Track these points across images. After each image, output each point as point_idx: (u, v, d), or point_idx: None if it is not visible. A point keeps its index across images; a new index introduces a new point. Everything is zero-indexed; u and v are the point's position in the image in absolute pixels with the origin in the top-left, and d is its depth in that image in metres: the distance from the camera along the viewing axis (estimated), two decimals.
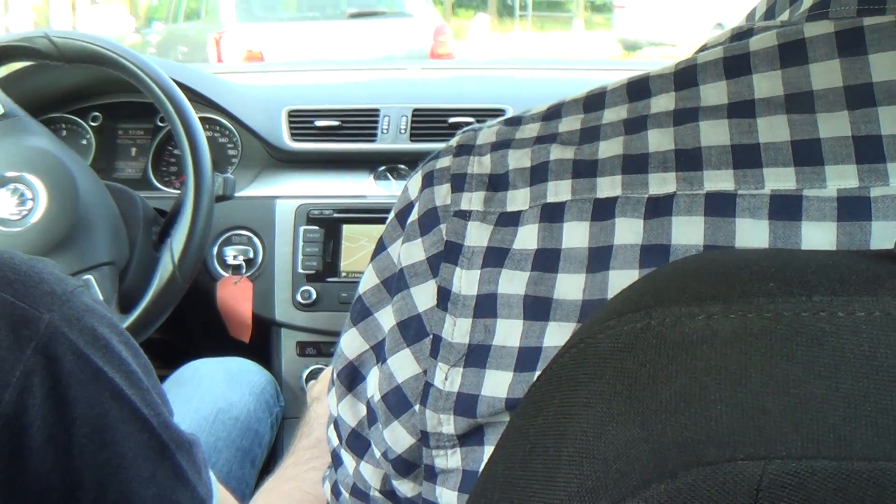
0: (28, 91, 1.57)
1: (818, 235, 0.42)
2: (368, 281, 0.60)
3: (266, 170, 1.70)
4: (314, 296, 1.57)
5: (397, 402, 0.54)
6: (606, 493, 0.31)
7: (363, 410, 0.59)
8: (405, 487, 0.57)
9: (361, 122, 1.69)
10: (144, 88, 1.37)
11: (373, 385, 0.58)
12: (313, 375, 1.62)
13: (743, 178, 0.45)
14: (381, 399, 0.55)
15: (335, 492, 0.66)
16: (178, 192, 1.66)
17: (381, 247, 0.59)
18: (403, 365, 0.54)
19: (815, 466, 0.29)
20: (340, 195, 1.63)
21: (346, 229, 1.60)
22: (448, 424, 0.51)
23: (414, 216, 0.56)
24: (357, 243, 1.59)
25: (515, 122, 0.56)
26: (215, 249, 1.61)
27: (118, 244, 1.37)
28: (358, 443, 0.60)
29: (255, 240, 1.62)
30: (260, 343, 1.66)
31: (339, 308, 1.57)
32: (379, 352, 0.58)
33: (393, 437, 0.55)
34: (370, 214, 1.59)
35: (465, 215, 0.53)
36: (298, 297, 1.57)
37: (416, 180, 0.58)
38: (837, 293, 0.31)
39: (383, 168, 1.66)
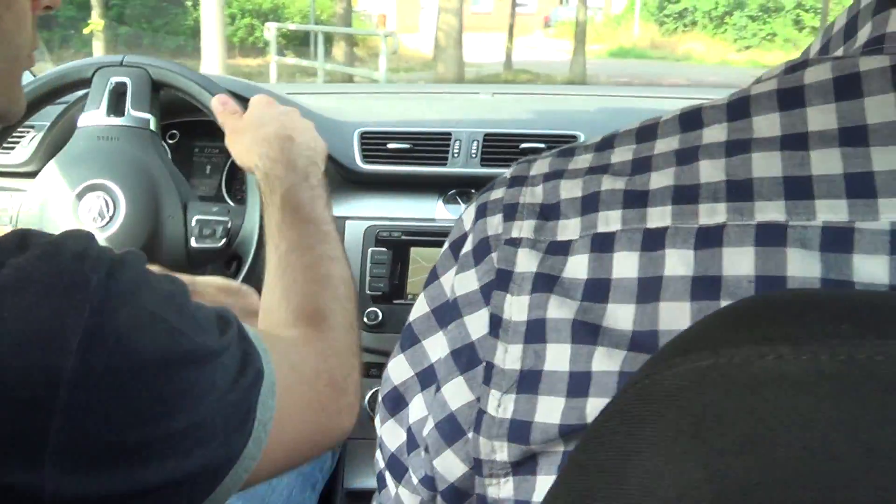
0: None
1: (871, 268, 0.42)
2: (419, 309, 0.61)
3: (337, 190, 1.71)
4: (381, 317, 1.58)
5: (450, 429, 0.54)
6: None
7: (403, 436, 0.60)
8: None
9: (433, 146, 1.69)
10: (202, 104, 1.41)
11: (415, 412, 0.59)
12: (376, 397, 1.62)
13: (794, 209, 0.44)
14: (434, 427, 0.55)
15: None
16: None
17: (433, 276, 0.61)
18: (456, 393, 0.54)
19: None
20: (410, 217, 1.64)
21: (415, 252, 1.60)
22: (502, 452, 0.51)
23: (468, 247, 0.57)
24: (425, 266, 1.59)
25: (569, 153, 0.57)
26: None
27: None
28: (396, 467, 0.61)
29: None
30: None
31: None
32: (423, 379, 0.59)
33: (444, 465, 0.55)
34: (439, 238, 1.59)
35: (515, 243, 0.54)
36: (365, 319, 1.58)
37: (470, 212, 0.59)
38: None
39: (453, 192, 1.66)
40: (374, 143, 1.70)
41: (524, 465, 0.50)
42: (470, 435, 0.53)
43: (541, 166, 0.57)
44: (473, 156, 1.65)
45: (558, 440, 0.48)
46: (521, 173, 0.57)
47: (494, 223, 0.56)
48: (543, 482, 0.49)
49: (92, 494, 0.59)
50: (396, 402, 0.61)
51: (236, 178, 1.77)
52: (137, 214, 1.36)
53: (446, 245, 0.61)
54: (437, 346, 0.58)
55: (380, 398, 0.63)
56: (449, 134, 1.69)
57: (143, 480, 0.62)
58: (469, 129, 1.69)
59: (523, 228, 0.54)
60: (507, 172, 0.59)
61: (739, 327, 0.33)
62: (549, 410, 0.49)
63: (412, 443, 0.59)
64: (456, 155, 1.67)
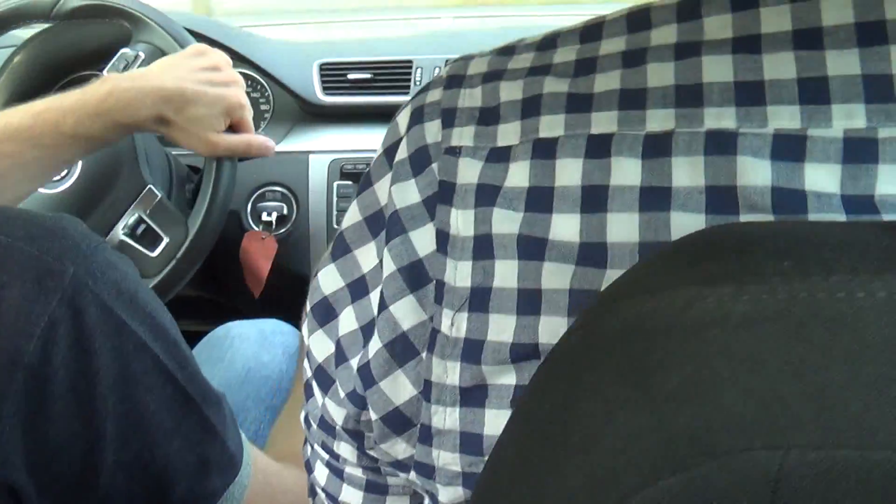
0: (58, 48, 1.57)
1: (822, 177, 0.41)
2: (351, 217, 0.58)
3: (298, 125, 1.68)
4: None
5: (403, 349, 0.52)
6: (615, 485, 0.30)
7: (331, 348, 0.58)
8: (398, 448, 0.55)
9: (395, 75, 1.66)
10: (155, 37, 1.36)
11: (344, 324, 0.56)
12: None
13: (746, 116, 0.43)
14: (383, 347, 0.53)
15: (307, 423, 0.65)
16: None
17: (366, 183, 0.57)
18: (408, 312, 0.52)
19: (836, 456, 0.28)
20: (374, 149, 1.59)
21: None
22: (454, 373, 0.49)
23: (403, 154, 0.54)
24: None
25: (508, 51, 0.54)
26: (249, 206, 1.60)
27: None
28: (323, 378, 0.59)
29: (290, 196, 1.60)
30: (295, 299, 1.65)
31: None
32: (354, 291, 0.56)
33: (393, 387, 0.53)
34: None
35: (455, 152, 0.51)
36: None
37: (405, 115, 0.56)
38: (857, 272, 0.29)
39: None
40: (334, 74, 1.67)
41: (473, 395, 0.49)
42: (423, 355, 0.51)
43: (479, 65, 0.54)
44: None
45: (509, 366, 0.47)
46: (458, 72, 0.54)
47: (433, 129, 0.53)
48: (492, 416, 0.49)
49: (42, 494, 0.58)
50: (326, 313, 0.59)
51: None
52: (89, 180, 1.34)
53: (380, 150, 0.57)
54: (368, 256, 0.56)
55: (308, 308, 0.61)
56: (410, 62, 1.66)
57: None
58: (431, 56, 1.66)
59: (463, 135, 0.51)
60: (442, 71, 0.56)
61: (679, 269, 0.32)
62: (501, 329, 0.47)
63: (340, 356, 0.57)
64: (418, 83, 1.64)
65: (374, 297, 0.55)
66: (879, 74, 0.41)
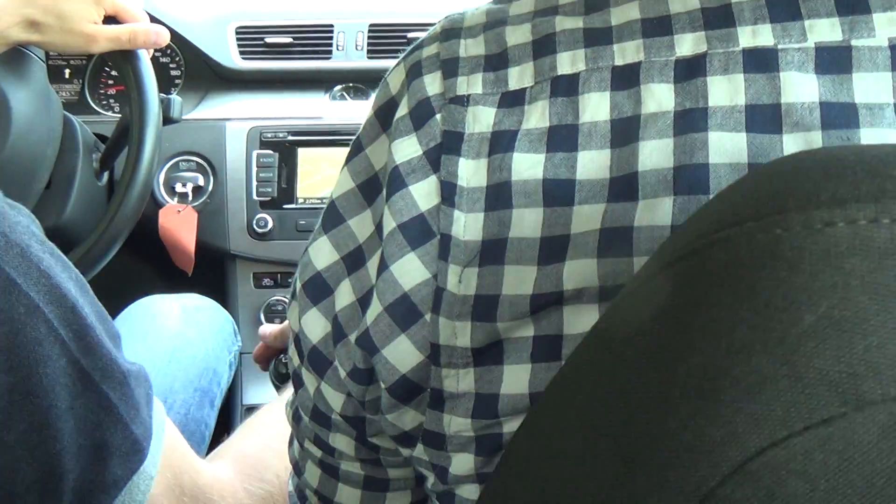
0: None
1: (873, 87, 0.40)
2: (343, 185, 0.54)
3: (213, 91, 1.61)
4: (270, 224, 1.50)
5: (405, 312, 0.48)
6: (735, 445, 0.25)
7: (328, 326, 0.54)
8: (406, 418, 0.51)
9: (315, 39, 1.60)
10: None
11: (341, 299, 0.53)
12: (272, 308, 1.56)
13: (783, 31, 0.41)
14: (384, 311, 0.49)
15: (296, 418, 0.61)
16: (118, 115, 1.57)
17: (357, 148, 0.54)
18: (409, 270, 0.48)
19: None
20: (295, 117, 1.55)
21: (302, 153, 1.52)
22: (464, 335, 0.46)
23: (403, 111, 0.51)
24: (314, 168, 1.52)
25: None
26: (162, 176, 1.52)
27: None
28: (319, 360, 0.55)
29: (206, 166, 1.53)
30: (214, 276, 1.58)
31: (297, 236, 1.50)
32: (350, 263, 0.53)
33: (398, 354, 0.49)
34: (327, 137, 1.51)
35: (463, 101, 0.48)
36: (254, 226, 1.50)
37: (397, 73, 0.53)
38: None
39: (340, 87, 1.58)
40: (250, 38, 1.60)
41: (488, 353, 0.46)
42: (428, 317, 0.47)
43: (476, 17, 0.51)
44: (359, 48, 1.57)
45: (527, 319, 0.44)
46: (454, 25, 0.51)
47: (434, 82, 0.49)
48: (512, 372, 0.45)
49: None
50: (321, 290, 0.54)
51: (100, 82, 1.64)
52: None
53: (371, 113, 0.54)
54: (364, 225, 0.52)
55: (298, 286, 0.56)
56: (331, 26, 1.61)
57: None
58: (353, 21, 1.60)
59: (470, 83, 0.48)
60: (434, 27, 0.53)
61: (799, 189, 0.27)
62: (520, 281, 0.44)
63: (339, 333, 0.53)
64: (340, 48, 1.58)
65: (372, 265, 0.51)
66: None
